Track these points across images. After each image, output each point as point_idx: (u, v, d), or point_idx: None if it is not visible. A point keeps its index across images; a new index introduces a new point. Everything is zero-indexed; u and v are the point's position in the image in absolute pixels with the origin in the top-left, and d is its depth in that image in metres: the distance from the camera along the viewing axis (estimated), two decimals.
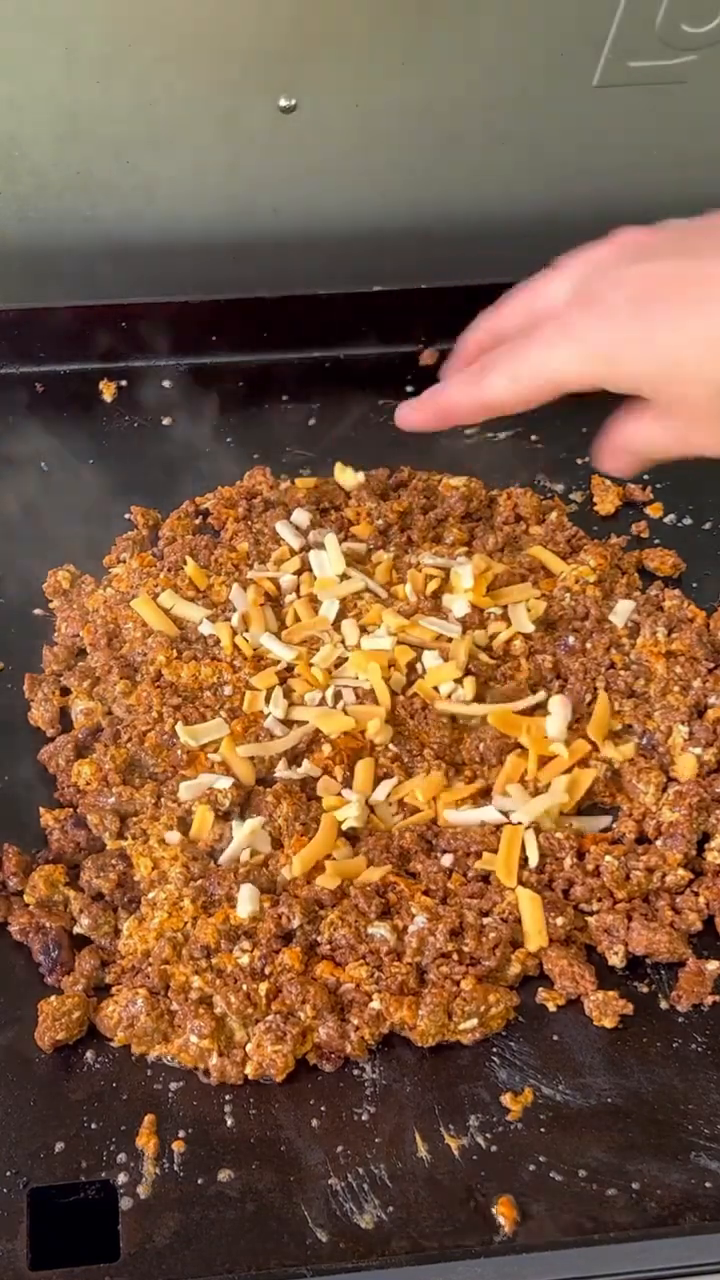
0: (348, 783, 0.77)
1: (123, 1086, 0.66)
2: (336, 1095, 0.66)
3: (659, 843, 0.75)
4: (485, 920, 0.71)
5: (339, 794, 0.76)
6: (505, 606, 0.86)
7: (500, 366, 0.65)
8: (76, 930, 0.71)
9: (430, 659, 0.82)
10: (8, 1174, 0.62)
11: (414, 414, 0.72)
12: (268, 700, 0.80)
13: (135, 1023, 0.67)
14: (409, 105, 1.01)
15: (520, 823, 0.75)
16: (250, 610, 0.84)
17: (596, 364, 0.60)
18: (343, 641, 0.83)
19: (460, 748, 0.79)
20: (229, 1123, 0.65)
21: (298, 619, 0.85)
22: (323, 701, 0.80)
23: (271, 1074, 0.66)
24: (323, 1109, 0.65)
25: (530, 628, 0.84)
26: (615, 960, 0.71)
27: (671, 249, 0.60)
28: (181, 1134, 0.64)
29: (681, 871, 0.74)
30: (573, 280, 0.64)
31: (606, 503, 0.95)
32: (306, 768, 0.77)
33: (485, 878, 0.74)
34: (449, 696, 0.81)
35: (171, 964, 0.69)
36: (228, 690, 0.81)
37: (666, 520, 0.95)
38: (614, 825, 0.77)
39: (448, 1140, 0.64)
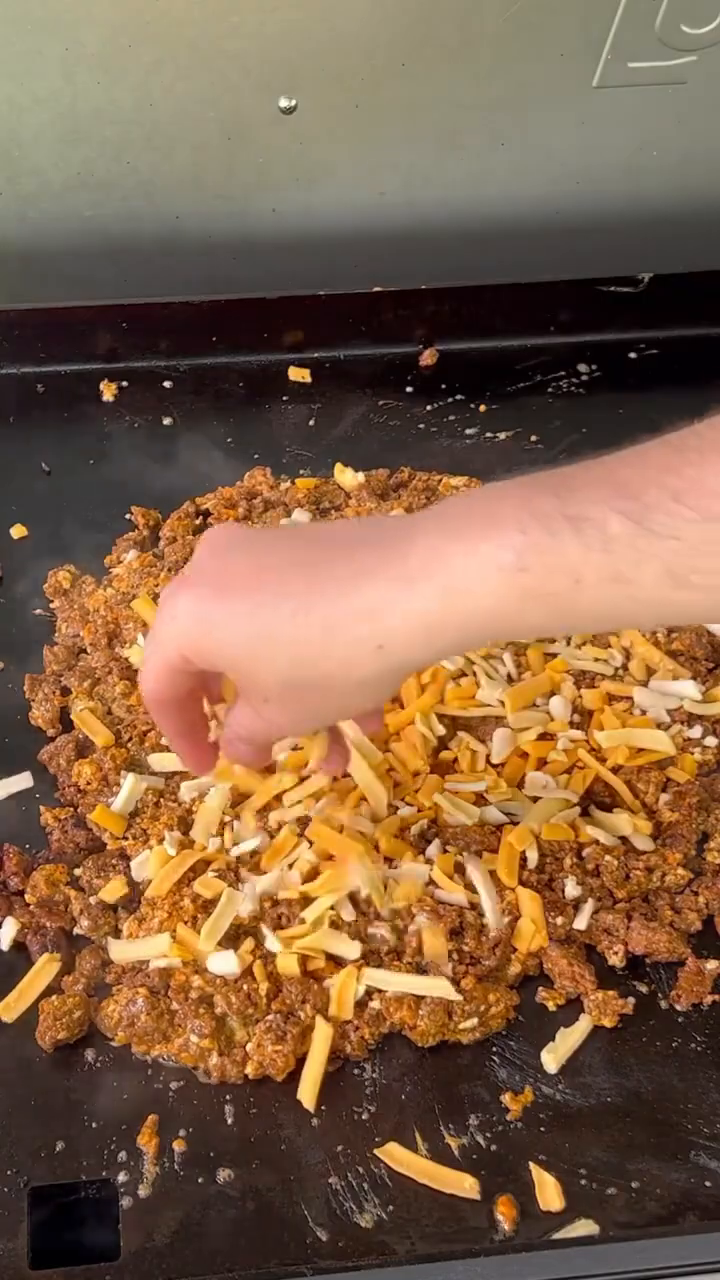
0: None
1: (123, 1086, 0.66)
2: (336, 1095, 0.66)
3: (659, 842, 0.75)
4: (485, 920, 0.71)
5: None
6: None
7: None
8: (76, 931, 0.71)
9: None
10: (8, 1173, 0.62)
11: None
12: None
13: (135, 1022, 0.67)
14: (409, 105, 1.01)
15: (520, 823, 0.75)
16: None
17: (198, 631, 0.58)
18: None
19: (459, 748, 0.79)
20: (229, 1122, 0.65)
21: None
22: None
23: (272, 1073, 0.66)
24: (323, 1108, 0.65)
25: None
26: (615, 960, 0.71)
27: (249, 541, 0.60)
28: (182, 1133, 0.64)
29: (681, 871, 0.74)
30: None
31: None
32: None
33: None
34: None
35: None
36: None
37: None
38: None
39: (448, 1140, 0.64)
